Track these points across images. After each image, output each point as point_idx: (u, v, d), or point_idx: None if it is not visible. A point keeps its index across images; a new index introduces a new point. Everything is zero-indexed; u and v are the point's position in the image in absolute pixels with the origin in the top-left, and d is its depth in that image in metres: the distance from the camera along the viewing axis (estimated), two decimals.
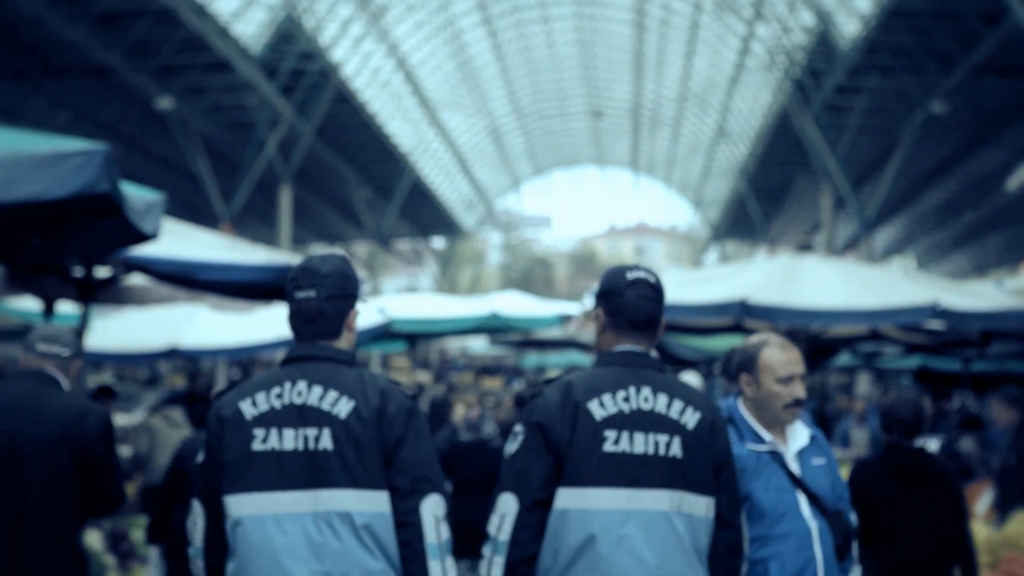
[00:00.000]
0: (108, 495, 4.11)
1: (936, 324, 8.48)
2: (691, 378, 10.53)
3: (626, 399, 3.06)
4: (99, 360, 9.77)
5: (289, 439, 2.94)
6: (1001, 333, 9.33)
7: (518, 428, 3.12)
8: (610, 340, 3.20)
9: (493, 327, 14.42)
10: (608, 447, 3.00)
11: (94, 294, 6.46)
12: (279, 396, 2.98)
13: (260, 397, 2.98)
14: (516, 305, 14.48)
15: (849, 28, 24.65)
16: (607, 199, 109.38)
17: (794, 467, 3.47)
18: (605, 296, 3.21)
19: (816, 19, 25.79)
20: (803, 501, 3.42)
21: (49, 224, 4.88)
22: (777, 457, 3.47)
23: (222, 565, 3.01)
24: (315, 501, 2.90)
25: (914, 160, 26.96)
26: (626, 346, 3.17)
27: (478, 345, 29.57)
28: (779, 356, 3.51)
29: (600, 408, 3.05)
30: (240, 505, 2.92)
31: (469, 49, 38.27)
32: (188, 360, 13.84)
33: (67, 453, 3.91)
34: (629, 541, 2.96)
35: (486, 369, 28.39)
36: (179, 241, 5.88)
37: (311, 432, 2.93)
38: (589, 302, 9.08)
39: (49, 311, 7.06)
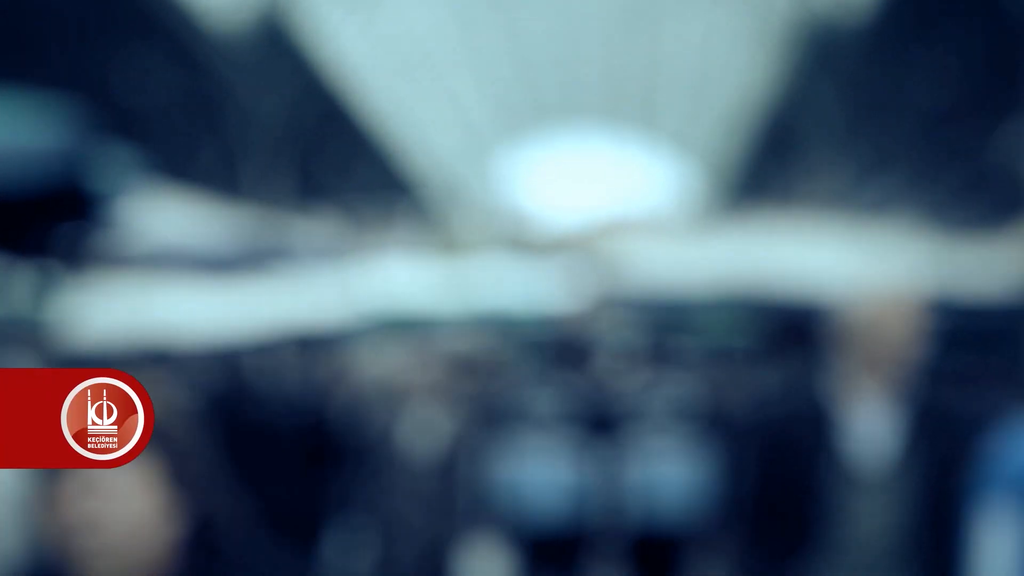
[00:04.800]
0: None
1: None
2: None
3: None
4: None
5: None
6: None
7: None
8: None
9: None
10: None
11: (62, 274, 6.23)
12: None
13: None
14: (508, 300, 14.21)
15: (846, 24, 24.61)
16: (602, 180, 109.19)
17: None
18: None
19: (813, 14, 25.75)
20: None
21: (13, 213, 4.68)
22: None
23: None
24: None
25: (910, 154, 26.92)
26: None
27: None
28: None
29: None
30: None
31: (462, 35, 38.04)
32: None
33: None
34: None
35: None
36: (151, 216, 5.67)
37: None
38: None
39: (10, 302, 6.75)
